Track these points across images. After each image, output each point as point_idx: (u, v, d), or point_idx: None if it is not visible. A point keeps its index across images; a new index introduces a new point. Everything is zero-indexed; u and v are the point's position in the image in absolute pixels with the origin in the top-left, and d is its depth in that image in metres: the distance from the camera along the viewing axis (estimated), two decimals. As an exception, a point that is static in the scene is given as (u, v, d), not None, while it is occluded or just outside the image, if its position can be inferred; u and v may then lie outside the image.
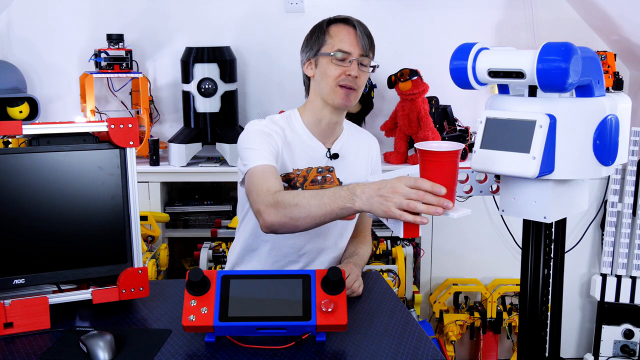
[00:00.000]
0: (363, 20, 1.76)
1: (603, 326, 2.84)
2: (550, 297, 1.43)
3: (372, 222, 2.70)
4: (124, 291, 1.49)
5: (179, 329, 1.39)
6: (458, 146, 1.26)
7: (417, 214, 1.28)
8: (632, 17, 2.80)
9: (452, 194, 1.28)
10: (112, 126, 1.46)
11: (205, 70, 2.82)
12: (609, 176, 2.85)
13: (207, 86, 2.83)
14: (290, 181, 1.75)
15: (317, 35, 1.76)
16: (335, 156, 1.81)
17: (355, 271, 1.67)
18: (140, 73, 2.92)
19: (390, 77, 2.90)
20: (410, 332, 1.40)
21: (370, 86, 2.94)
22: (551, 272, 1.42)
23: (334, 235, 1.82)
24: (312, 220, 1.48)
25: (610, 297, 2.84)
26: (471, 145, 2.87)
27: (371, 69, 1.77)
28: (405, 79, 2.83)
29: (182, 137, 2.87)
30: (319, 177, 1.78)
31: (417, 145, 1.28)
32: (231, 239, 1.98)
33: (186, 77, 2.87)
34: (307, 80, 1.82)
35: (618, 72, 2.86)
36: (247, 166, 1.66)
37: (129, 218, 1.49)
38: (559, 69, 1.18)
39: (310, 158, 1.78)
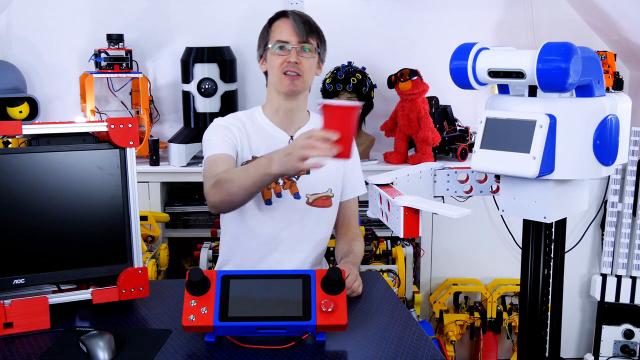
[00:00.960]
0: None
1: (603, 326, 2.84)
2: (550, 297, 1.43)
3: (371, 221, 2.70)
4: (124, 291, 1.49)
5: (179, 329, 1.39)
6: (353, 104, 1.41)
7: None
8: (632, 17, 2.80)
9: (349, 143, 1.42)
10: (112, 126, 1.46)
11: (205, 70, 2.82)
12: (609, 176, 2.85)
13: (207, 86, 2.83)
14: None
15: (263, 34, 1.91)
16: None
17: (354, 271, 1.69)
18: (140, 73, 2.92)
19: (390, 77, 2.89)
20: (410, 332, 1.40)
21: (370, 86, 2.94)
22: (551, 272, 1.41)
23: (309, 224, 1.87)
24: (243, 192, 1.62)
25: (610, 297, 2.84)
26: (471, 145, 2.87)
27: (317, 55, 1.87)
28: (405, 79, 2.82)
29: (182, 137, 2.87)
30: None
31: (320, 102, 1.42)
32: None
33: (186, 77, 2.87)
34: (265, 76, 1.94)
35: (618, 72, 2.86)
36: (205, 156, 1.82)
37: (129, 218, 1.49)
38: (559, 69, 1.18)
39: (272, 145, 1.85)
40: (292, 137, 1.89)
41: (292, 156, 1.46)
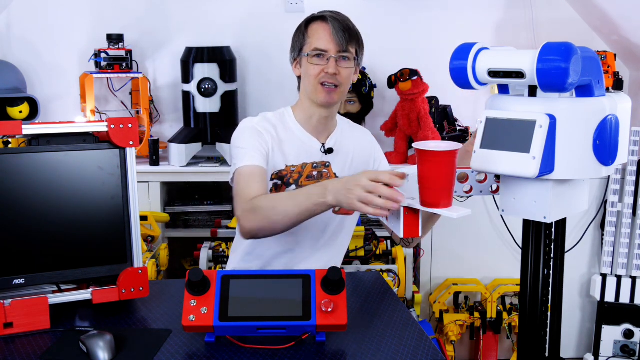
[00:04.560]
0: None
1: (603, 326, 2.84)
2: (550, 297, 1.43)
3: (371, 221, 2.70)
4: (124, 291, 1.49)
5: (179, 329, 1.39)
6: (455, 146, 1.27)
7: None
8: (632, 17, 2.80)
9: (447, 192, 1.29)
10: (112, 126, 1.46)
11: (205, 70, 2.82)
12: (609, 176, 2.85)
13: (207, 86, 2.83)
14: (283, 178, 1.75)
15: (298, 36, 1.78)
16: (329, 151, 1.81)
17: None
18: (140, 73, 2.93)
19: (390, 77, 2.90)
20: (410, 332, 1.40)
21: (370, 86, 2.94)
22: (551, 272, 1.41)
23: (331, 231, 1.81)
24: (289, 220, 1.53)
25: (610, 297, 2.84)
26: (471, 145, 2.87)
27: (355, 62, 1.75)
28: (405, 79, 2.83)
29: (182, 137, 2.87)
30: (315, 173, 1.78)
31: (416, 145, 1.29)
32: (231, 239, 1.97)
33: (186, 77, 2.87)
34: (298, 80, 1.83)
35: (618, 72, 2.86)
36: (236, 165, 1.70)
37: (129, 218, 1.49)
38: (559, 69, 1.18)
39: (304, 153, 1.79)
40: (323, 144, 1.80)
41: (350, 195, 1.36)
